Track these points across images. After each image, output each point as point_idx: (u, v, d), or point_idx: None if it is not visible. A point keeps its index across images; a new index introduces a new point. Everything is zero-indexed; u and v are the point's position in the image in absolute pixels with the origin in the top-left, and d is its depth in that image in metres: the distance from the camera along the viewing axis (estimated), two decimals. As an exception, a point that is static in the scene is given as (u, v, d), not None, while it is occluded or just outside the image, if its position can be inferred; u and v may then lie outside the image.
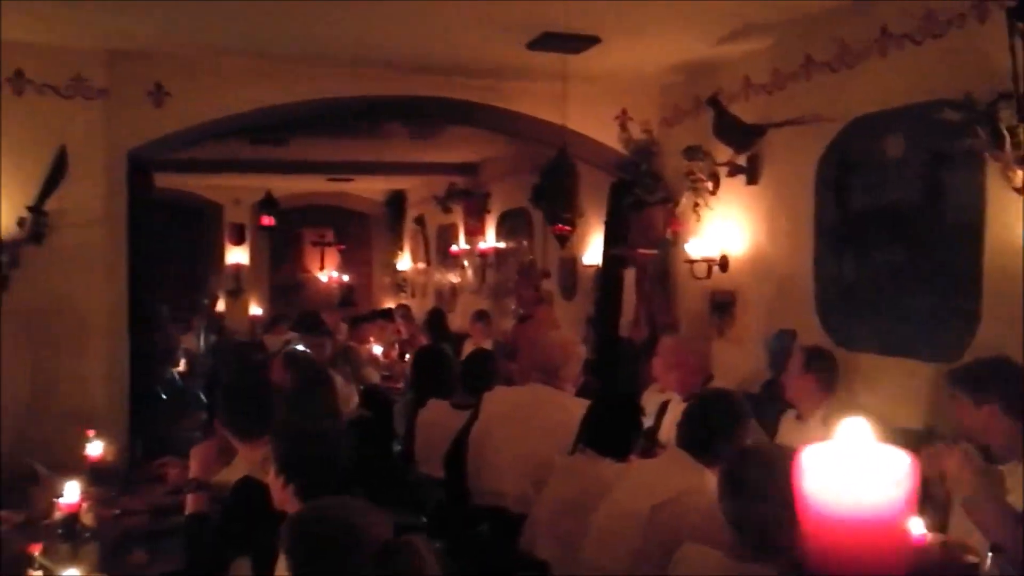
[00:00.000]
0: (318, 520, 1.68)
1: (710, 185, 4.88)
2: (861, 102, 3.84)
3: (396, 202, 12.14)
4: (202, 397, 6.13)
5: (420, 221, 11.32)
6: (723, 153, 4.72)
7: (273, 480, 2.19)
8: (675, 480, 2.39)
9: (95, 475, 3.22)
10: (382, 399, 5.82)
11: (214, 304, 11.54)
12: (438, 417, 3.88)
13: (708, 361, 4.47)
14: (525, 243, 8.17)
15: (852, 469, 0.76)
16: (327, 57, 4.89)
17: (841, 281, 4.01)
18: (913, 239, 3.60)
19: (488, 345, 6.81)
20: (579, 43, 4.39)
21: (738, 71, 4.70)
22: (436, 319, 8.15)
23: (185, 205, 11.41)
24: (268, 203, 10.81)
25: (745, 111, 4.58)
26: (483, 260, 9.13)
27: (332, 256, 12.96)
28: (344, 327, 7.91)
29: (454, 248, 9.86)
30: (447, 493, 3.57)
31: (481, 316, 7.43)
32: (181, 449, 3.15)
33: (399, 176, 10.57)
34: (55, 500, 2.71)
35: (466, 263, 9.68)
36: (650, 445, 3.41)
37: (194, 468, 2.66)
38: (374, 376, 6.84)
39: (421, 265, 11.43)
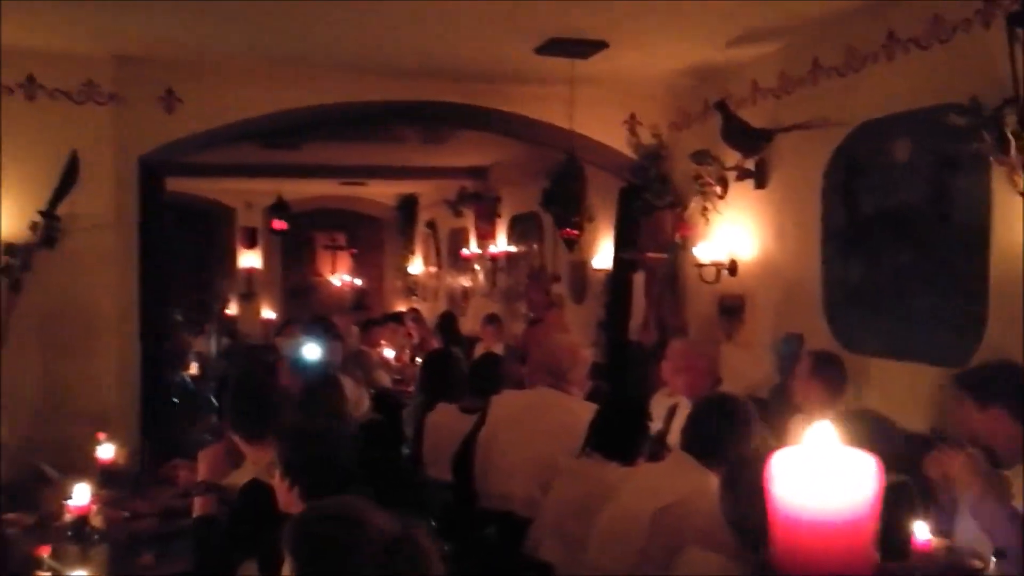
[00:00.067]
0: (320, 520, 1.69)
1: (719, 189, 4.88)
2: (868, 106, 3.83)
3: (408, 206, 12.19)
4: (213, 400, 6.18)
5: (432, 225, 11.35)
6: (731, 157, 4.72)
7: (278, 483, 2.21)
8: (679, 483, 2.40)
9: (105, 478, 3.25)
10: (393, 402, 5.84)
11: (225, 307, 11.62)
12: (446, 420, 3.90)
13: (717, 365, 4.47)
14: (536, 247, 8.18)
15: (819, 473, 0.78)
16: (338, 62, 4.92)
17: (849, 285, 4.00)
18: (920, 243, 3.58)
19: (499, 348, 6.83)
20: (587, 48, 4.40)
21: (746, 75, 4.70)
22: (447, 323, 8.18)
23: (198, 209, 11.50)
24: (279, 207, 10.88)
25: (753, 115, 4.58)
26: (494, 264, 9.16)
27: (344, 260, 13.02)
28: (356, 331, 7.94)
29: (465, 252, 9.89)
30: (455, 496, 3.59)
31: (492, 319, 7.46)
32: (192, 452, 3.17)
33: (411, 180, 10.61)
34: (65, 502, 2.74)
35: (477, 267, 9.70)
36: (659, 449, 3.41)
37: (202, 471, 2.69)
38: (385, 379, 6.87)
39: (432, 269, 11.47)
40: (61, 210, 4.52)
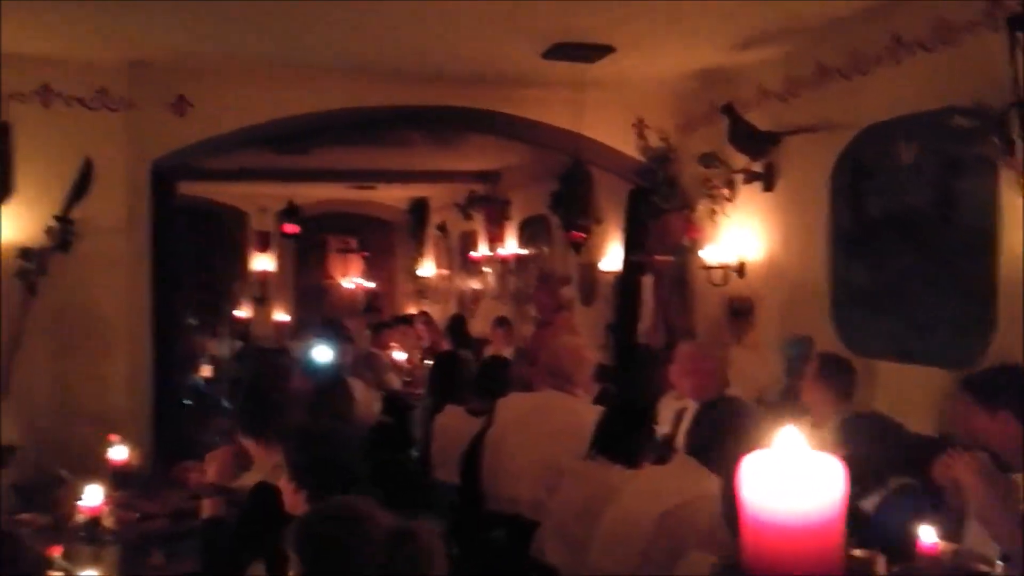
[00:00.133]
0: (322, 519, 1.71)
1: (726, 192, 4.88)
2: (874, 109, 3.83)
3: (419, 209, 12.23)
4: (225, 403, 6.23)
5: (442, 228, 11.38)
6: (739, 160, 4.73)
7: (285, 485, 2.23)
8: (683, 487, 2.41)
9: (118, 479, 3.29)
10: (403, 404, 5.88)
11: (234, 310, 11.68)
12: (454, 423, 3.92)
13: (725, 367, 4.47)
14: (545, 249, 8.20)
15: (788, 476, 0.79)
16: (347, 67, 4.97)
17: (856, 287, 4.00)
18: (927, 245, 3.58)
19: (509, 351, 6.85)
20: (593, 52, 4.42)
21: (752, 79, 4.70)
22: (457, 325, 8.21)
23: (212, 213, 11.58)
24: (291, 211, 10.95)
25: (759, 118, 4.59)
26: (504, 266, 9.18)
27: (356, 263, 13.08)
28: (367, 333, 7.99)
29: (475, 255, 9.91)
30: (462, 498, 3.61)
31: (502, 322, 7.48)
32: (204, 454, 3.20)
33: (421, 184, 10.65)
34: (77, 503, 2.78)
35: (487, 269, 9.73)
36: (666, 452, 3.42)
37: (211, 473, 2.72)
38: (395, 382, 6.90)
39: (443, 271, 11.49)
40: (75, 215, 4.58)
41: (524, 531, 3.10)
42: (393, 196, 12.27)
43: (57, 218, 4.54)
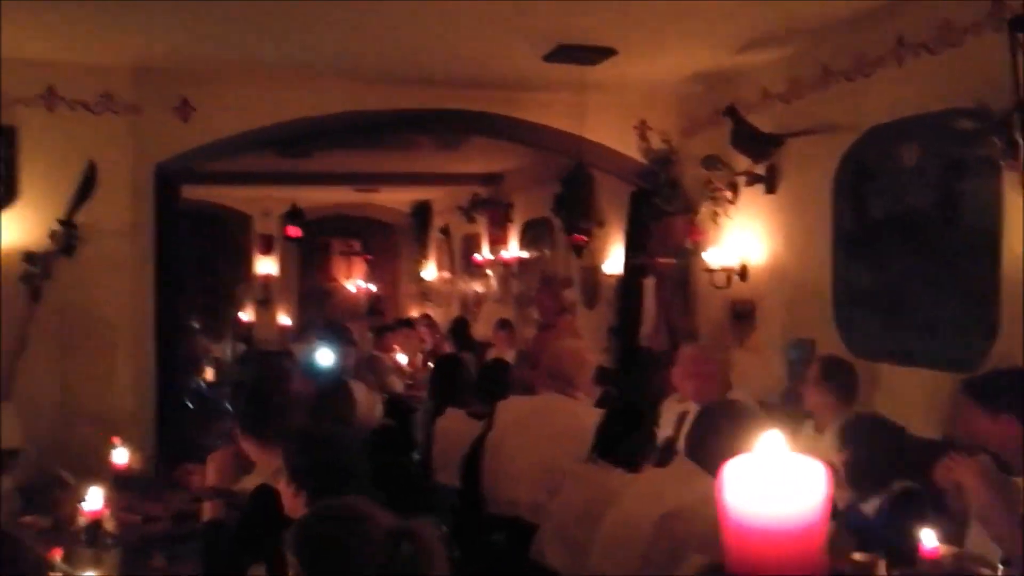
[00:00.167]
0: (320, 520, 1.71)
1: (729, 194, 4.88)
2: (878, 111, 3.83)
3: (421, 212, 12.25)
4: (227, 405, 6.24)
5: (445, 231, 11.40)
6: (741, 162, 4.72)
7: (284, 488, 2.23)
8: (683, 490, 2.40)
9: (120, 482, 3.29)
10: (405, 407, 5.88)
11: (238, 313, 11.71)
12: (455, 426, 3.92)
13: (727, 370, 4.46)
14: (548, 252, 8.20)
15: (770, 480, 0.79)
16: (349, 71, 4.98)
17: (859, 289, 3.99)
18: (930, 247, 3.57)
19: (511, 353, 6.85)
20: (595, 55, 4.42)
21: (756, 81, 4.70)
22: (460, 328, 8.21)
23: (216, 216, 11.62)
24: (294, 214, 10.97)
25: (763, 121, 4.58)
26: (506, 269, 9.18)
27: (359, 266, 13.10)
28: (370, 336, 8.00)
29: (478, 257, 9.92)
30: (463, 501, 3.61)
31: (504, 325, 7.48)
32: (206, 457, 3.20)
33: (424, 187, 10.67)
34: (79, 506, 2.79)
35: (490, 272, 9.73)
36: (668, 455, 3.41)
37: (211, 476, 2.72)
38: (397, 385, 6.90)
39: (446, 274, 11.51)
40: (79, 218, 4.60)
41: (524, 534, 3.10)
42: (396, 199, 12.29)
43: (61, 222, 4.56)
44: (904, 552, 2.45)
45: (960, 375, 3.12)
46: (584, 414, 3.23)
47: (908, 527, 2.46)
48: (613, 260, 6.53)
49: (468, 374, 4.28)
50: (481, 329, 8.55)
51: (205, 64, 4.83)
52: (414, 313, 10.69)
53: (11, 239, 4.54)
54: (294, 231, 11.06)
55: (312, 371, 4.78)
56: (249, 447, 2.79)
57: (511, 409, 3.49)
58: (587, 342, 5.11)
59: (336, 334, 6.30)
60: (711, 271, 4.93)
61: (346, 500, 1.76)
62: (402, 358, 7.74)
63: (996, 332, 3.23)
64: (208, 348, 8.46)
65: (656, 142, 5.44)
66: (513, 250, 9.00)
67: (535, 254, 8.56)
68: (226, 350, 9.21)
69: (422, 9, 3.77)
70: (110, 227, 4.68)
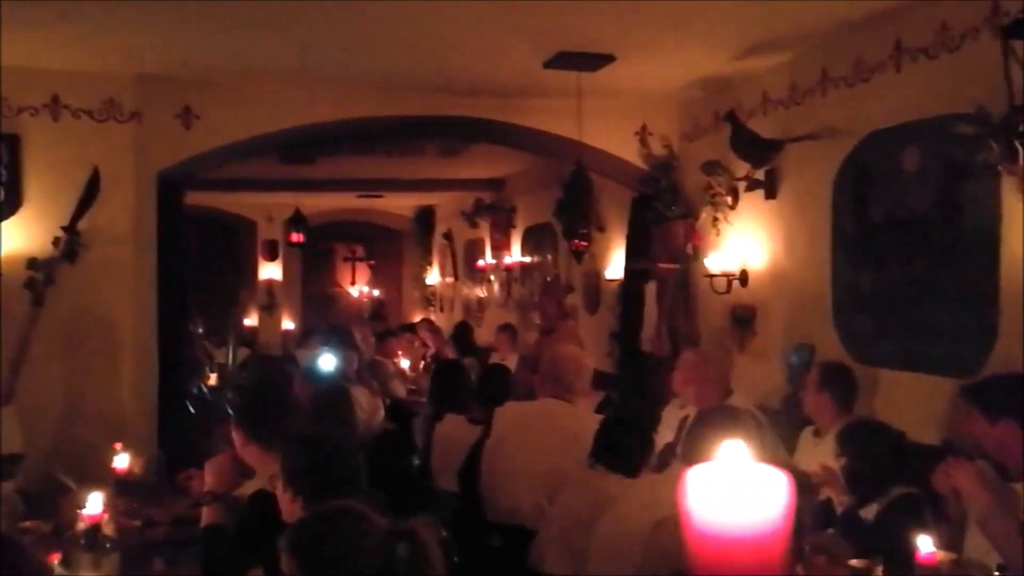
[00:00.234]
0: (317, 521, 1.72)
1: (729, 199, 4.88)
2: (877, 116, 3.83)
3: (425, 217, 12.28)
4: (229, 410, 6.25)
5: (448, 236, 11.42)
6: (742, 168, 4.73)
7: (281, 493, 2.24)
8: (680, 496, 2.40)
9: (121, 487, 3.31)
10: (407, 412, 5.89)
11: (242, 318, 11.74)
12: (454, 431, 3.93)
13: (728, 375, 4.46)
14: (550, 257, 8.22)
15: (731, 488, 0.81)
16: (349, 78, 5.00)
17: (859, 294, 3.99)
18: (931, 253, 3.57)
19: (514, 358, 6.86)
20: (594, 61, 4.44)
21: (756, 86, 4.71)
22: (462, 332, 8.23)
23: (221, 222, 11.68)
24: (297, 220, 11.02)
25: (764, 126, 4.59)
26: (509, 274, 9.20)
27: (363, 271, 13.13)
28: (373, 341, 8.01)
29: (480, 262, 9.94)
30: (461, 507, 3.61)
31: (506, 328, 7.50)
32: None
33: (428, 192, 10.70)
34: (79, 511, 2.80)
35: (492, 277, 9.75)
36: (669, 461, 3.41)
37: (209, 481, 2.74)
38: (400, 390, 6.92)
39: (449, 279, 11.53)
40: (82, 225, 4.62)
41: (523, 540, 3.10)
42: (399, 204, 12.33)
43: (64, 228, 4.59)
44: (902, 558, 2.45)
45: (960, 380, 3.12)
46: (581, 419, 3.23)
47: (906, 533, 2.46)
48: (615, 265, 6.54)
49: (468, 380, 4.28)
50: (484, 334, 8.56)
51: (207, 72, 4.86)
52: (418, 318, 10.70)
53: (15, 245, 4.56)
54: (297, 237, 11.11)
55: (313, 376, 4.79)
56: (252, 451, 2.79)
57: (508, 415, 3.50)
58: (585, 347, 5.12)
59: (339, 339, 6.32)
60: (711, 277, 4.93)
61: (343, 502, 1.77)
62: (405, 363, 7.76)
63: (996, 336, 3.22)
64: (211, 353, 8.47)
65: (657, 147, 5.45)
66: (516, 255, 9.01)
67: (537, 259, 8.57)
68: (229, 355, 9.22)
69: (423, 17, 3.79)
70: (113, 233, 4.71)
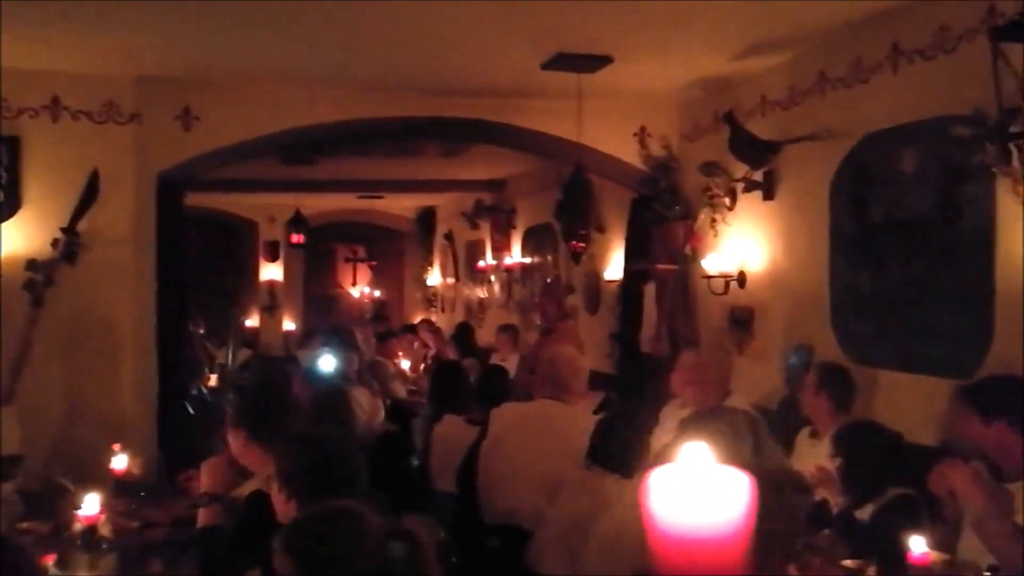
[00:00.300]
0: (315, 521, 1.72)
1: (727, 201, 4.88)
2: (875, 117, 3.84)
3: (426, 218, 12.30)
4: (230, 411, 6.26)
5: (449, 237, 11.43)
6: (740, 169, 4.73)
7: (276, 494, 2.25)
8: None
9: (119, 488, 3.32)
10: (408, 413, 5.90)
11: (242, 318, 11.75)
12: (453, 432, 3.93)
13: (726, 376, 4.47)
14: (550, 258, 8.22)
15: (692, 490, 0.82)
16: (350, 79, 5.01)
17: (857, 295, 3.99)
18: (929, 254, 3.57)
19: (515, 359, 6.87)
20: (593, 62, 4.44)
21: (755, 87, 4.72)
22: (463, 333, 8.24)
23: (222, 223, 11.70)
24: (297, 221, 11.04)
25: (762, 127, 4.59)
26: (509, 275, 9.21)
27: (364, 272, 13.15)
28: (374, 342, 8.02)
29: (481, 263, 9.95)
30: (459, 508, 3.62)
31: (507, 329, 7.51)
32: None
33: (429, 193, 10.71)
34: (76, 512, 2.81)
35: (493, 278, 9.76)
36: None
37: (206, 482, 2.74)
38: (400, 391, 6.93)
39: (450, 280, 11.54)
40: (82, 226, 4.64)
41: (520, 541, 3.11)
42: (400, 205, 12.34)
43: (64, 230, 4.60)
44: (897, 558, 2.45)
45: (957, 381, 3.12)
46: (579, 420, 3.23)
47: (902, 533, 2.46)
48: (615, 266, 6.54)
49: (467, 381, 4.29)
50: (485, 335, 8.57)
51: (207, 72, 4.87)
52: (419, 319, 10.72)
53: (15, 247, 4.58)
54: (297, 238, 11.12)
55: (314, 377, 4.80)
56: (252, 452, 2.79)
57: (505, 416, 3.50)
58: (585, 347, 5.12)
59: (341, 340, 6.33)
60: (709, 278, 4.93)
61: (339, 502, 1.77)
62: (406, 364, 7.77)
63: (992, 338, 3.23)
64: (212, 354, 8.49)
65: (656, 149, 5.45)
66: (516, 256, 9.02)
67: (538, 260, 8.58)
68: (230, 356, 9.24)
69: (423, 17, 3.80)
70: (113, 235, 4.72)
